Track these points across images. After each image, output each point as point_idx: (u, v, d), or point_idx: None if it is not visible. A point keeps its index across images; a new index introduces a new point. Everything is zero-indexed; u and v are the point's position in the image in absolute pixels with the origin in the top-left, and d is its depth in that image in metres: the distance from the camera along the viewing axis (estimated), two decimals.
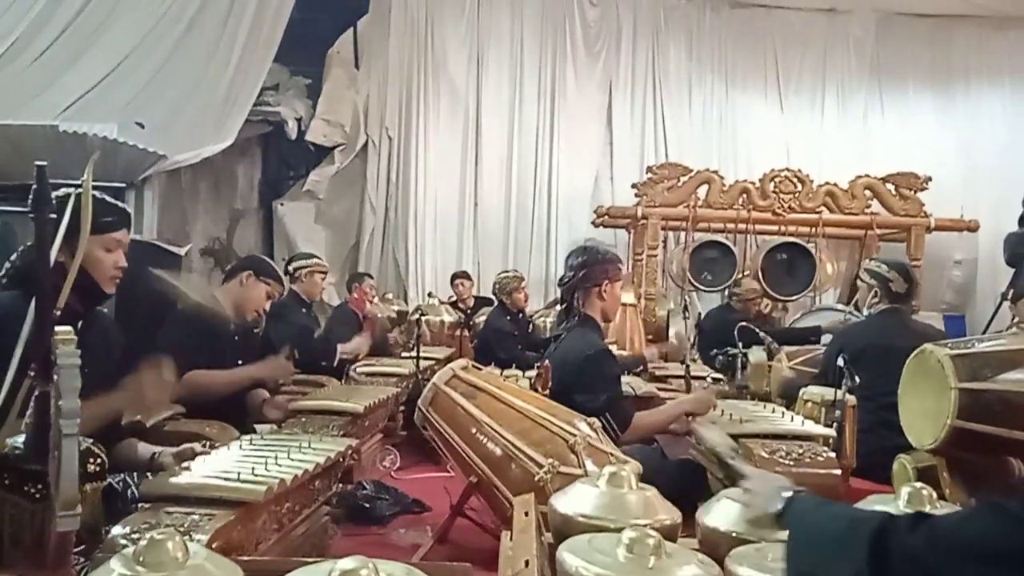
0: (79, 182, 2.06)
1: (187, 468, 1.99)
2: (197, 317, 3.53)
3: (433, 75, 8.83)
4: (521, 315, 6.40)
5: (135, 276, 2.49)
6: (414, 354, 4.66)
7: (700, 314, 6.40)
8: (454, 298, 7.65)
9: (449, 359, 4.86)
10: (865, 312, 4.14)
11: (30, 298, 1.79)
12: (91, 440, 1.81)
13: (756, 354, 3.58)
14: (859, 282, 4.06)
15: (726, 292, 6.87)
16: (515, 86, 8.89)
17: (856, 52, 9.00)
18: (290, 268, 5.07)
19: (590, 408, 2.97)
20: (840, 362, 3.26)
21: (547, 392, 2.98)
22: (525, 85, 8.89)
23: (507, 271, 6.77)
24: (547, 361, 3.16)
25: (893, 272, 3.93)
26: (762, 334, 4.39)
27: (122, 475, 2.18)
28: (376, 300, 7.06)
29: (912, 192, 7.33)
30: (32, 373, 1.65)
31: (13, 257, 2.32)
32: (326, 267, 5.17)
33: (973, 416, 2.71)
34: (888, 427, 3.24)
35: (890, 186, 7.36)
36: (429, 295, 7.69)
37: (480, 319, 6.76)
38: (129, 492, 2.13)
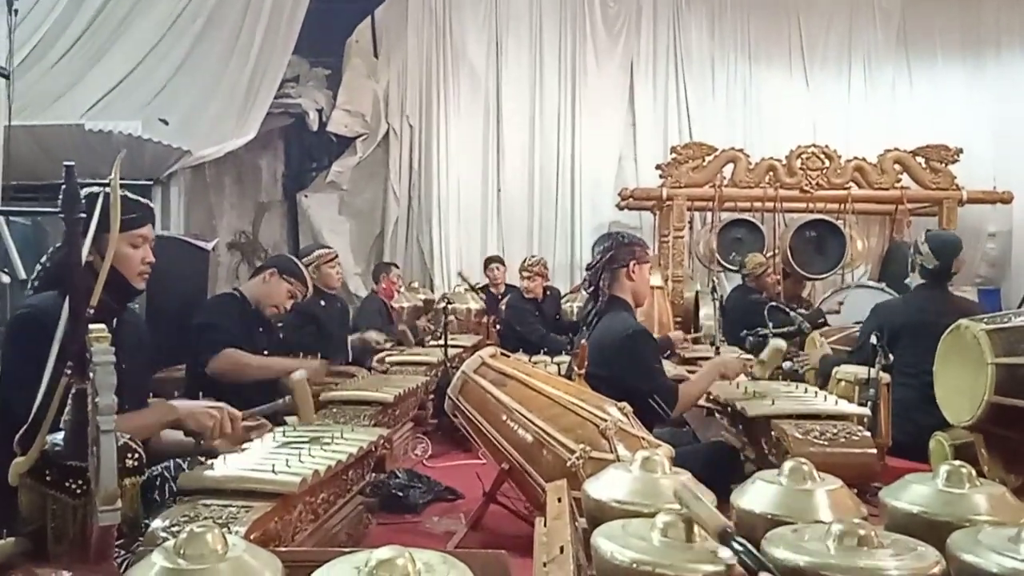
0: (107, 180, 2.08)
1: (242, 450, 2.03)
2: (230, 302, 3.74)
3: (452, 61, 8.81)
4: (544, 300, 6.38)
5: (164, 272, 2.52)
6: (442, 342, 4.68)
7: (723, 296, 6.35)
8: (479, 284, 7.66)
9: (476, 346, 4.87)
10: (873, 300, 4.12)
11: (65, 297, 1.81)
12: (128, 436, 1.83)
13: (776, 342, 3.63)
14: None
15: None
16: (535, 69, 8.84)
17: (882, 23, 8.82)
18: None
19: (640, 389, 2.97)
20: (873, 339, 3.22)
21: (583, 372, 2.98)
22: (545, 68, 8.83)
23: (529, 257, 6.76)
24: (584, 341, 3.15)
25: (926, 247, 3.90)
26: (793, 314, 4.36)
27: (160, 468, 2.21)
28: (403, 289, 7.10)
29: (943, 165, 7.19)
30: (68, 371, 1.67)
31: (43, 259, 2.36)
32: (334, 254, 5.17)
33: (1010, 391, 2.66)
34: (934, 404, 3.18)
35: (920, 159, 7.23)
36: (459, 274, 7.65)
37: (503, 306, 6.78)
38: (167, 485, 2.16)
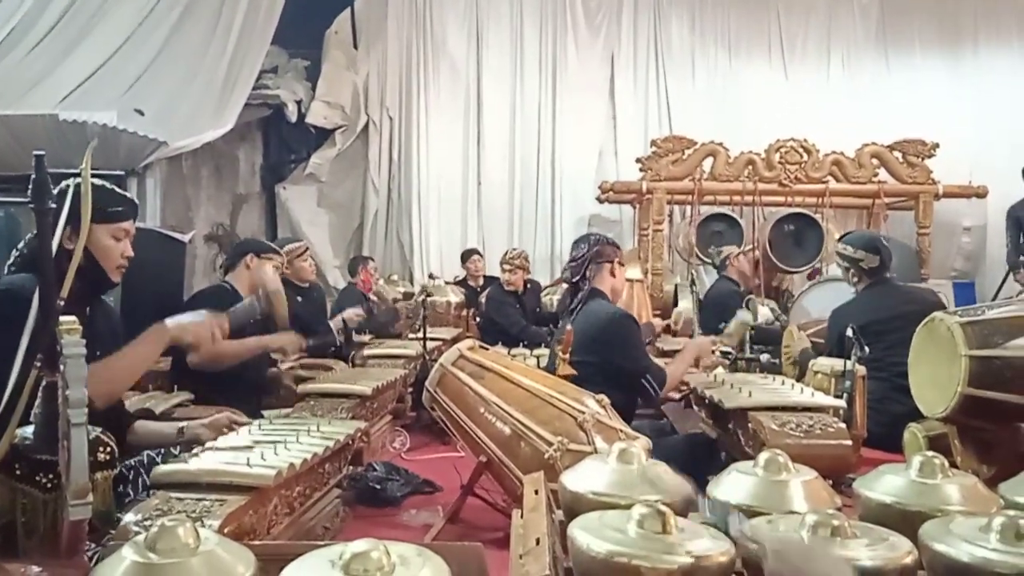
0: (79, 170, 2.05)
1: (223, 435, 2.05)
2: (217, 294, 3.76)
3: (432, 53, 8.76)
4: (524, 293, 6.38)
5: (141, 264, 2.50)
6: (421, 335, 4.67)
7: (703, 289, 6.35)
8: (459, 277, 7.64)
9: (456, 339, 4.86)
10: (851, 292, 4.17)
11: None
12: (100, 429, 1.81)
13: (742, 314, 3.76)
14: (836, 265, 4.11)
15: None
16: (516, 62, 8.81)
17: (862, 17, 8.87)
18: None
19: (630, 370, 3.10)
20: (849, 332, 3.24)
21: (567, 357, 2.99)
22: (526, 61, 8.80)
23: (511, 249, 6.74)
24: (569, 327, 3.18)
25: (861, 252, 3.99)
26: (771, 306, 4.39)
27: (133, 462, 2.19)
28: (381, 282, 7.07)
29: (920, 159, 7.24)
30: (38, 364, 1.64)
31: (21, 245, 2.34)
32: (304, 247, 5.17)
33: (983, 383, 2.69)
34: (905, 394, 3.22)
35: (897, 154, 7.28)
36: (431, 276, 7.64)
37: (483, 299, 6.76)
38: (140, 479, 2.13)
